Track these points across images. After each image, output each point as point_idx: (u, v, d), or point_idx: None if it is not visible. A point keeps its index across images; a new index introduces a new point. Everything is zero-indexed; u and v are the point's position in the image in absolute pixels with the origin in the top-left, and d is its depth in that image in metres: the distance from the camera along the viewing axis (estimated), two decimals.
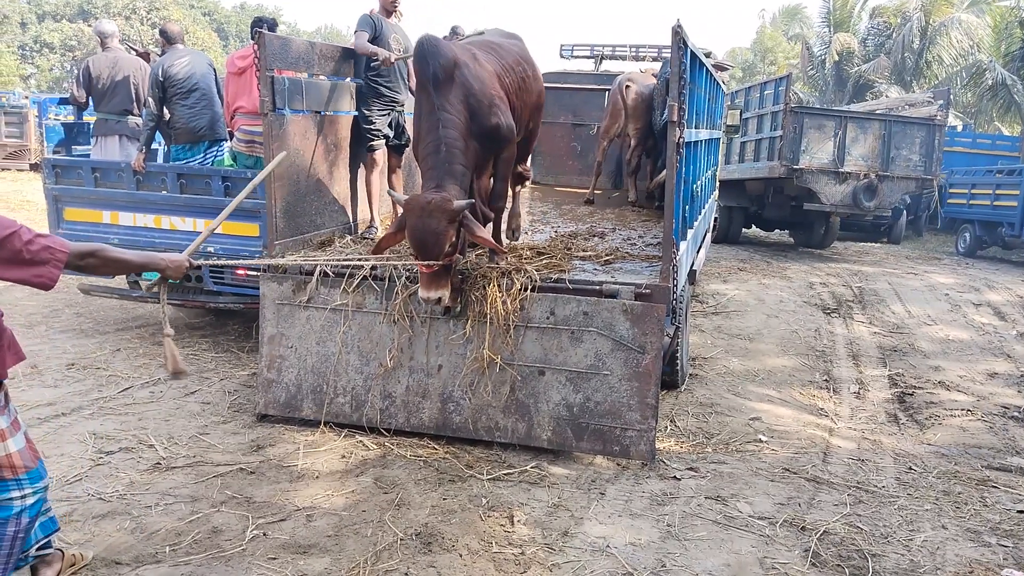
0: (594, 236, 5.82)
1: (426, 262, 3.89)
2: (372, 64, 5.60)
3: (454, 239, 3.90)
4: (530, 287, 4.35)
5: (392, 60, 5.48)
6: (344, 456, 4.23)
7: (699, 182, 6.25)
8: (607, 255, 5.10)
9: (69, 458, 4.00)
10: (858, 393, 5.87)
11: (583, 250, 5.22)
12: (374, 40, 5.53)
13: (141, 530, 3.33)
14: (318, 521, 3.47)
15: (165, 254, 2.95)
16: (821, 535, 3.51)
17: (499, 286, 4.34)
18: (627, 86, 7.59)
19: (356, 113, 5.85)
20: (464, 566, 3.15)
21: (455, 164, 4.03)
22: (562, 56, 11.11)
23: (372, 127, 5.71)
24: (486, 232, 4.06)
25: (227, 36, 45.20)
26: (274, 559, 3.12)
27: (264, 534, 3.32)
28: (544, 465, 4.21)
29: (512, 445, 4.36)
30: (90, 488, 3.68)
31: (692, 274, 6.18)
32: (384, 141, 5.80)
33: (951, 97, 15.33)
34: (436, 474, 4.05)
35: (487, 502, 3.74)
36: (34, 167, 15.39)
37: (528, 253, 4.94)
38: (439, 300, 3.94)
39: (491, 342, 4.33)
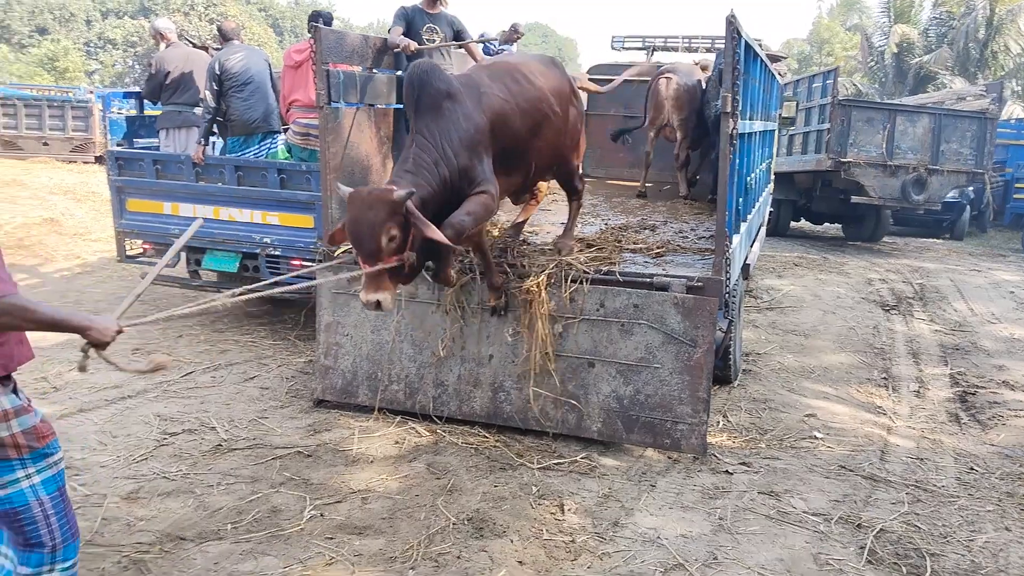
0: (645, 229, 5.79)
1: (366, 260, 3.39)
2: (407, 57, 5.64)
3: (396, 235, 3.39)
4: (580, 279, 4.36)
5: (412, 48, 5.50)
6: (398, 442, 4.30)
7: (753, 174, 6.17)
8: (658, 248, 5.07)
9: (135, 438, 4.16)
10: (918, 391, 5.73)
11: (633, 243, 5.20)
12: (407, 33, 5.57)
13: (204, 508, 3.46)
14: (373, 504, 3.55)
15: (93, 317, 2.55)
16: (878, 533, 3.46)
17: (549, 278, 4.36)
18: (667, 78, 7.51)
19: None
20: (515, 551, 3.19)
21: (419, 177, 3.64)
22: (613, 48, 11.04)
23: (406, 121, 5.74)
24: (436, 231, 3.47)
25: (282, 31, 46.01)
26: (331, 539, 3.21)
27: (321, 515, 3.42)
28: (594, 456, 4.23)
29: (562, 435, 4.39)
30: (156, 467, 3.82)
31: (745, 268, 6.10)
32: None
33: (1002, 90, 14.80)
34: (487, 462, 4.10)
35: (537, 490, 3.78)
36: (99, 159, 15.88)
37: (578, 246, 4.94)
38: (377, 304, 3.37)
39: (541, 333, 4.35)
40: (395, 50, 5.54)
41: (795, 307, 7.98)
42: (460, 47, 6.09)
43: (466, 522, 3.40)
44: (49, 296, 7.44)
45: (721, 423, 4.80)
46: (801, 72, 30.30)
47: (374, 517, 3.43)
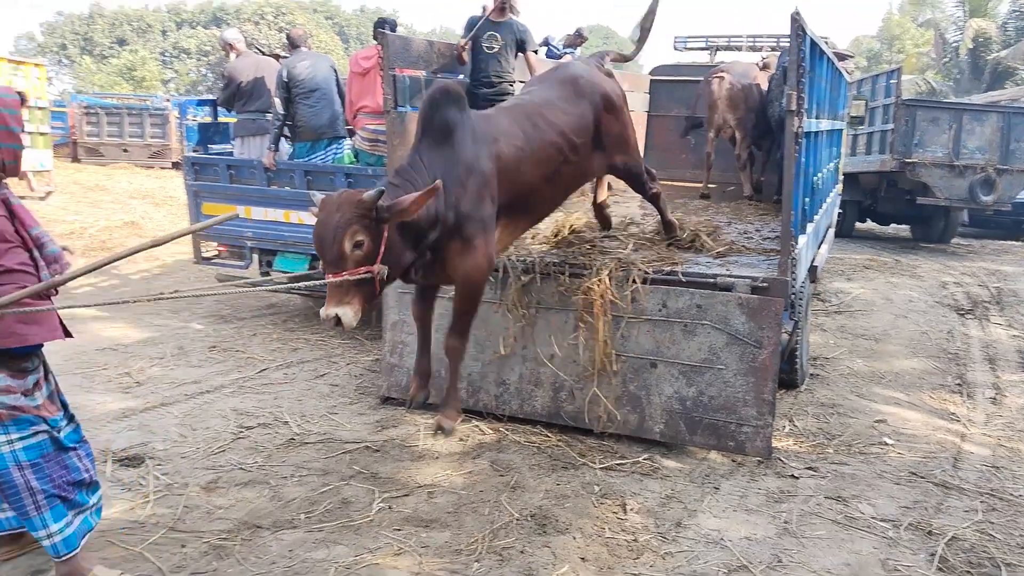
0: (709, 230, 5.74)
1: (329, 267, 3.11)
2: (472, 64, 5.74)
3: (364, 241, 3.09)
4: (641, 279, 4.37)
5: (462, 54, 5.59)
6: (462, 439, 4.39)
7: (820, 174, 6.06)
8: (722, 248, 5.04)
9: (214, 431, 4.35)
10: (994, 398, 5.54)
11: (696, 243, 5.17)
12: (472, 36, 5.67)
13: (278, 498, 3.60)
14: (438, 498, 3.64)
15: None
16: (949, 540, 3.38)
17: (610, 278, 4.38)
18: (719, 77, 7.45)
19: None
20: (578, 548, 3.23)
21: (403, 190, 3.33)
22: (675, 48, 10.97)
23: None
24: (410, 196, 3.17)
25: (348, 38, 47.00)
26: (399, 530, 3.31)
27: (389, 507, 3.52)
28: (656, 458, 4.23)
29: (624, 436, 4.40)
30: (233, 459, 3.99)
31: (813, 270, 6.00)
32: None
33: None
34: (549, 460, 4.15)
35: (600, 490, 3.81)
36: (175, 165, 16.55)
37: (641, 245, 4.95)
38: (336, 320, 3.06)
39: (602, 334, 4.38)
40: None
41: (865, 311, 7.79)
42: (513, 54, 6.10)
43: (529, 518, 3.46)
44: (130, 296, 7.79)
45: (787, 427, 4.74)
46: (871, 71, 29.46)
47: (440, 511, 3.52)
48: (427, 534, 3.30)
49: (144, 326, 6.64)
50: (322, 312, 3.11)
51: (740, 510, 3.64)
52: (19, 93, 2.93)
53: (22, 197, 9.50)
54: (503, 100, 5.79)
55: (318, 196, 3.28)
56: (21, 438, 2.75)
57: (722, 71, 7.59)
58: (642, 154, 6.00)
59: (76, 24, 45.77)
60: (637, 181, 4.84)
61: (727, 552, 3.24)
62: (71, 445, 2.90)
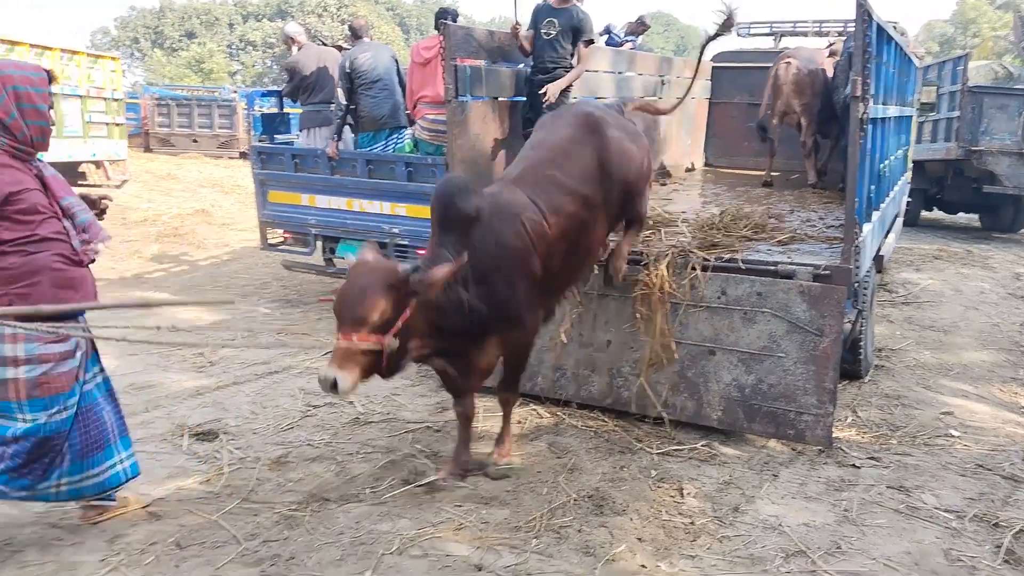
0: (770, 218, 5.69)
1: (343, 330, 3.02)
2: (531, 53, 5.77)
3: (386, 311, 3.03)
4: (700, 267, 4.37)
5: (520, 38, 5.61)
6: (520, 422, 4.47)
7: (887, 161, 5.93)
8: (784, 236, 4.99)
9: (283, 409, 4.54)
10: None
11: (758, 231, 5.13)
12: (534, 23, 5.69)
13: (345, 473, 3.75)
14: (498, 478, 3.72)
15: None
16: (1017, 533, 3.31)
17: (669, 265, 4.39)
18: (786, 63, 7.33)
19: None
20: (635, 529, 3.28)
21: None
22: (739, 35, 10.79)
23: (527, 115, 5.86)
24: (444, 268, 3.15)
25: (408, 29, 47.46)
26: (459, 506, 3.41)
27: (452, 484, 3.62)
28: (714, 444, 4.24)
29: (681, 423, 4.41)
30: (301, 435, 4.16)
31: (879, 260, 5.88)
32: (529, 128, 5.85)
33: None
34: (606, 444, 4.20)
35: (656, 474, 3.84)
36: (242, 155, 17.03)
37: (700, 233, 4.93)
38: (333, 384, 2.96)
39: (659, 322, 4.39)
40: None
41: (934, 302, 7.60)
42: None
43: (586, 499, 3.52)
44: (201, 281, 8.11)
45: (850, 418, 4.69)
46: (943, 56, 28.38)
47: (499, 489, 3.61)
48: (487, 511, 3.39)
49: (215, 310, 6.90)
50: (320, 372, 3.03)
51: (799, 497, 3.63)
52: (47, 71, 3.07)
53: (99, 185, 9.99)
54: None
55: (351, 258, 3.22)
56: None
57: (789, 56, 7.47)
58: (703, 143, 5.98)
59: (147, 18, 47.30)
60: (638, 218, 4.41)
61: (785, 537, 3.25)
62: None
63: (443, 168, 5.80)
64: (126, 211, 11.24)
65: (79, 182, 10.94)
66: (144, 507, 3.33)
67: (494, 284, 3.44)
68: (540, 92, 5.53)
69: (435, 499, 3.49)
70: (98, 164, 11.07)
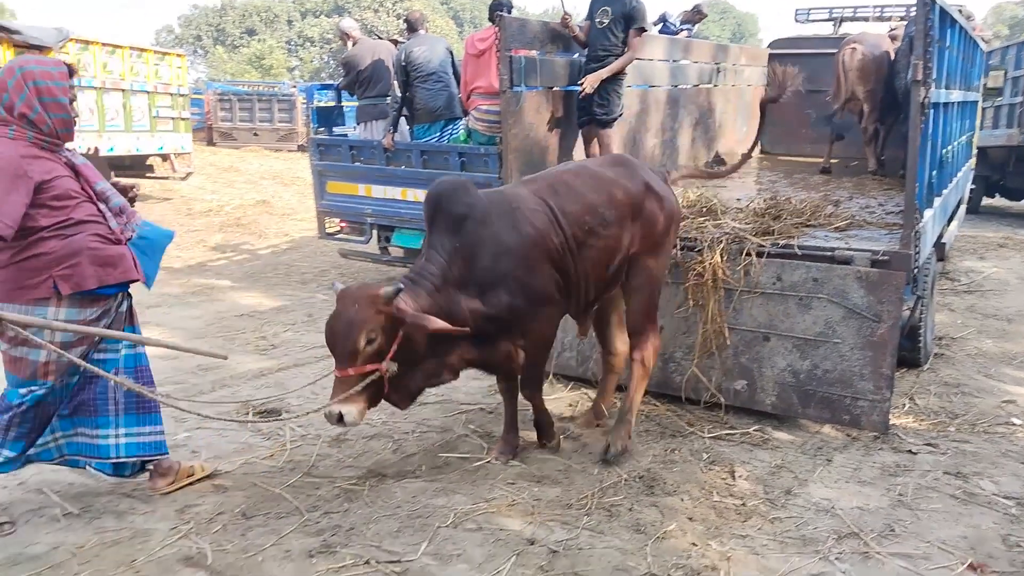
0: (828, 204, 5.62)
1: (340, 364, 3.10)
2: (584, 41, 5.79)
3: (377, 339, 3.07)
4: (755, 252, 4.35)
5: (571, 28, 5.63)
6: (571, 404, 4.53)
7: (950, 147, 5.79)
8: (841, 222, 4.93)
9: None
10: None
11: (815, 217, 5.08)
12: (589, 12, 5.71)
13: (401, 451, 3.87)
14: (549, 458, 3.79)
15: None
16: None
17: (723, 252, 4.38)
18: (852, 48, 7.19)
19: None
20: (686, 509, 3.31)
21: (420, 287, 3.30)
22: (797, 20, 10.63)
23: (581, 104, 5.87)
24: (439, 321, 3.16)
25: (462, 23, 47.68)
26: (512, 484, 3.49)
27: (503, 463, 3.70)
28: (767, 429, 4.23)
29: (733, 408, 4.41)
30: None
31: (940, 247, 5.76)
32: (588, 116, 5.87)
33: None
34: (658, 428, 4.23)
35: (708, 457, 3.86)
36: (301, 148, 17.43)
37: (755, 219, 4.90)
38: (340, 418, 3.04)
39: (713, 308, 4.39)
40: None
41: (998, 291, 7.38)
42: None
43: (637, 480, 3.56)
44: (263, 268, 8.36)
45: (907, 405, 4.62)
46: (1011, 39, 27.30)
47: (550, 469, 3.68)
48: (539, 489, 3.46)
49: (276, 295, 7.14)
50: (325, 409, 3.07)
51: (853, 482, 3.61)
52: (68, 65, 3.17)
53: (165, 177, 10.33)
54: (609, 77, 5.79)
55: (339, 286, 3.30)
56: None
57: (854, 41, 7.34)
58: (759, 130, 5.93)
59: (210, 16, 48.54)
60: (638, 316, 3.98)
61: (837, 520, 3.24)
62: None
63: (496, 158, 5.87)
64: (191, 202, 11.65)
65: (147, 174, 11.38)
66: (208, 476, 3.51)
67: (496, 281, 3.37)
68: (579, 82, 5.57)
69: (488, 477, 3.57)
70: (165, 157, 11.48)
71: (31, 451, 3.18)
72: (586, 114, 5.85)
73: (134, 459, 3.29)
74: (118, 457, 3.24)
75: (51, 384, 3.08)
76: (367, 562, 2.84)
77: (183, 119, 11.57)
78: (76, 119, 3.16)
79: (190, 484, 3.44)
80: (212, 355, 3.42)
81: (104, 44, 9.88)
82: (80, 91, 9.18)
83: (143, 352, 3.35)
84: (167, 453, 3.39)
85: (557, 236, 3.54)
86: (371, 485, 3.47)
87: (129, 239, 3.21)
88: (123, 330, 3.25)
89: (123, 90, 9.97)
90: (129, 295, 3.31)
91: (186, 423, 4.15)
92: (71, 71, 3.14)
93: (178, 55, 11.96)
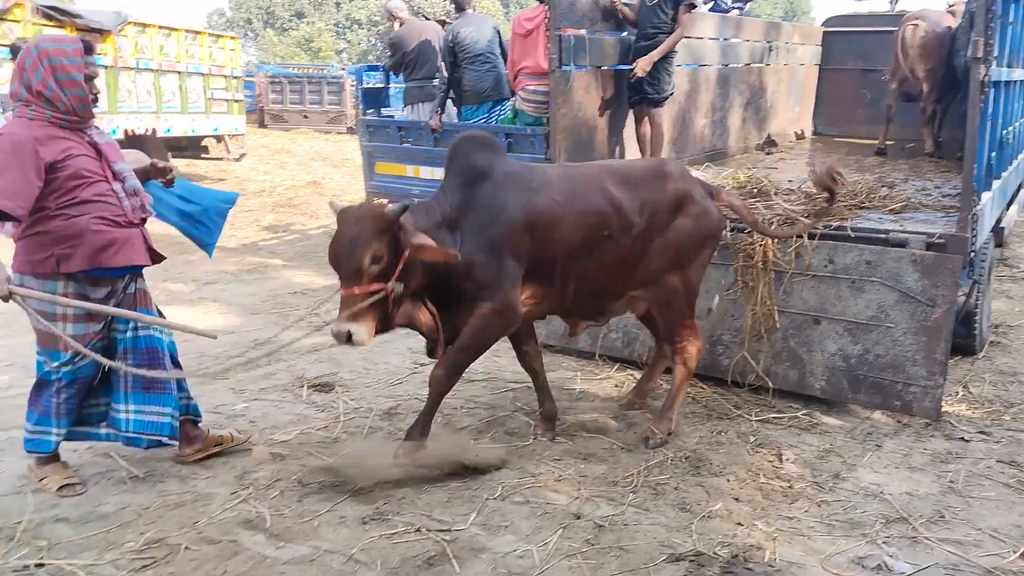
0: (883, 186, 5.51)
1: (345, 282, 3.08)
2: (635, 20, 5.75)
3: (382, 257, 3.03)
4: (807, 234, 4.31)
5: (619, 8, 5.58)
6: (617, 385, 4.56)
7: (1011, 128, 5.62)
8: (896, 204, 4.84)
9: (392, 366, 4.80)
10: None
11: (869, 199, 5.00)
12: None
13: (450, 426, 3.95)
14: (594, 436, 3.84)
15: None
16: None
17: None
18: (914, 25, 6.99)
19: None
20: (732, 489, 3.33)
21: (429, 217, 3.29)
22: None
23: (632, 84, 5.84)
24: (434, 246, 3.11)
25: (508, 3, 47.38)
26: (559, 460, 3.55)
27: (550, 440, 3.76)
28: (816, 414, 4.20)
29: (781, 392, 4.39)
30: (409, 390, 4.40)
31: (999, 232, 5.60)
32: (638, 96, 5.85)
33: None
34: (704, 410, 4.23)
35: (755, 440, 3.86)
36: (350, 130, 17.64)
37: (807, 201, 4.84)
38: (348, 336, 3.02)
39: (763, 289, 4.37)
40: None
41: None
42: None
43: (683, 460, 3.59)
44: (314, 248, 8.52)
45: (960, 393, 4.53)
46: None
47: (596, 447, 3.72)
48: (585, 466, 3.51)
49: (327, 274, 7.21)
50: (332, 327, 3.05)
51: (902, 467, 3.58)
52: (85, 42, 3.15)
53: (220, 158, 10.58)
54: (644, 53, 5.73)
55: (339, 206, 3.26)
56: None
57: (916, 18, 7.13)
58: (812, 110, 5.83)
59: None
60: (671, 326, 3.88)
61: (886, 504, 3.22)
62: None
63: (543, 138, 5.89)
64: (244, 183, 11.91)
65: (202, 155, 11.65)
66: (238, 444, 3.60)
67: (478, 242, 3.31)
68: (631, 64, 5.54)
69: (535, 453, 3.64)
70: (219, 138, 11.74)
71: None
72: (637, 93, 5.83)
73: (143, 436, 3.32)
74: (127, 431, 3.29)
75: (72, 357, 3.14)
76: (418, 530, 2.93)
77: (236, 101, 11.80)
78: (95, 96, 3.15)
79: (218, 453, 3.53)
80: (204, 334, 3.37)
81: (160, 27, 10.11)
82: (137, 73, 9.46)
83: (155, 335, 3.33)
84: (171, 436, 3.34)
85: (562, 233, 3.43)
86: None
87: (143, 220, 3.23)
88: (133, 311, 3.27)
89: (179, 72, 10.21)
90: (139, 278, 3.32)
91: (244, 394, 4.30)
92: (89, 48, 3.14)
93: (231, 37, 12.18)
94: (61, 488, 3.21)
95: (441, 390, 3.50)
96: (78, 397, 3.24)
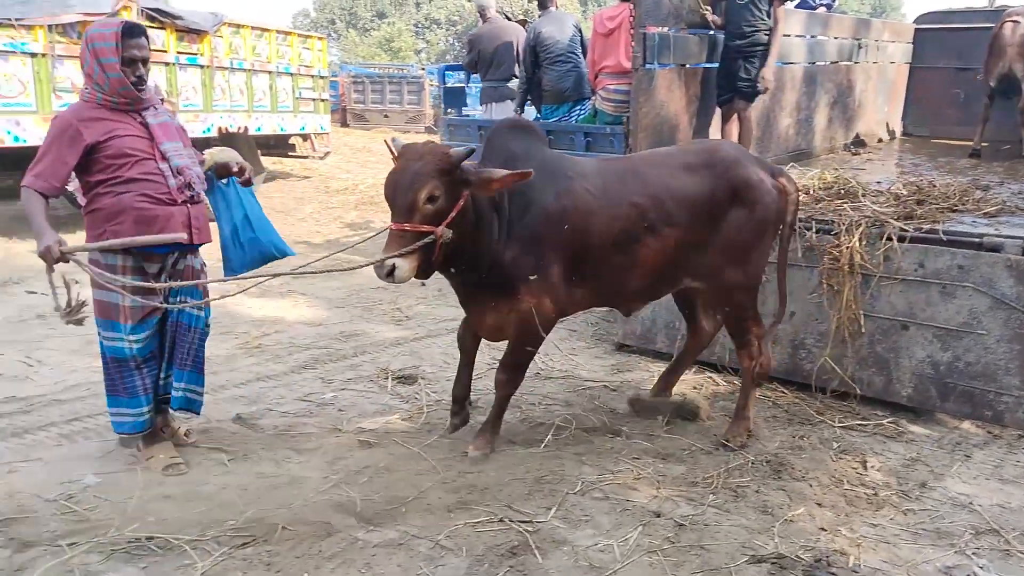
0: (976, 189, 5.33)
1: (397, 217, 3.01)
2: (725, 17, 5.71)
3: (439, 199, 2.98)
4: (896, 237, 4.22)
5: (713, 18, 5.56)
6: (695, 387, 4.56)
7: None
8: (991, 208, 4.67)
9: None
10: None
11: (961, 202, 4.84)
12: None
13: (528, 421, 4.03)
14: (673, 436, 3.85)
15: (48, 235, 3.00)
16: None
17: (862, 236, 4.26)
18: (1014, 22, 6.71)
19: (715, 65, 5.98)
20: (814, 495, 3.30)
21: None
22: None
23: (721, 82, 5.81)
24: (509, 173, 3.06)
25: (586, 0, 47.19)
26: (637, 459, 3.58)
27: (627, 438, 3.80)
28: (901, 422, 4.12)
29: (866, 398, 4.31)
30: (488, 384, 4.43)
31: None
32: (729, 94, 5.81)
33: None
34: (785, 415, 4.19)
35: (838, 446, 3.81)
36: (428, 129, 17.94)
37: (896, 202, 4.73)
38: (391, 270, 2.97)
39: (848, 294, 4.29)
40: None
41: None
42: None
43: (764, 463, 3.57)
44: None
45: None
46: None
47: (675, 447, 3.74)
48: (664, 466, 3.54)
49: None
50: (377, 260, 3.01)
51: (993, 479, 3.48)
52: (132, 25, 3.27)
53: (306, 156, 10.84)
54: (755, 52, 5.70)
55: (400, 141, 3.21)
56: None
57: (1016, 15, 6.86)
58: (902, 109, 5.69)
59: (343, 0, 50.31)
60: (733, 321, 3.85)
61: (976, 516, 3.15)
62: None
63: (621, 137, 5.91)
64: (328, 180, 12.28)
65: (289, 153, 12.06)
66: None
67: (517, 236, 3.27)
68: (746, 52, 5.53)
69: (613, 451, 3.68)
70: (305, 137, 12.12)
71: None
72: (728, 90, 5.80)
73: (183, 411, 3.57)
74: (176, 408, 3.53)
75: (131, 328, 3.27)
76: (501, 520, 3.01)
77: (323, 100, 12.16)
78: (137, 78, 3.21)
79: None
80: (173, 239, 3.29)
81: (253, 28, 10.50)
82: (231, 72, 9.86)
83: (195, 313, 3.46)
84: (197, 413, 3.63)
85: (598, 225, 3.36)
86: (502, 451, 3.64)
87: (190, 199, 3.30)
88: (182, 291, 3.39)
89: (269, 72, 10.58)
90: (191, 254, 3.41)
91: (332, 384, 4.48)
92: (132, 31, 3.23)
93: (319, 38, 12.53)
94: (166, 468, 3.42)
95: (507, 391, 3.61)
96: (153, 373, 3.42)
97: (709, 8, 5.74)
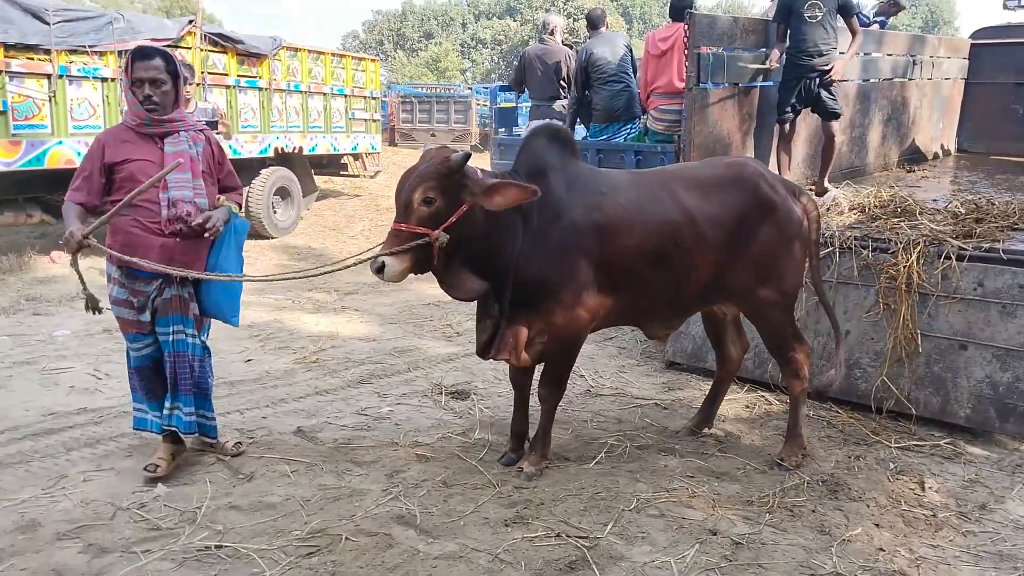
0: None
1: (397, 217, 3.10)
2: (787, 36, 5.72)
3: (433, 200, 3.01)
4: (955, 255, 4.17)
5: (772, 62, 5.59)
6: (748, 406, 4.55)
7: None
8: None
9: None
10: None
11: (1021, 220, 4.76)
12: (787, 11, 5.64)
13: (580, 437, 4.07)
14: (728, 455, 3.86)
15: (74, 227, 3.22)
16: None
17: (919, 256, 4.23)
18: None
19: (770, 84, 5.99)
20: (871, 515, 3.28)
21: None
22: (1005, 7, 9.81)
23: (782, 101, 5.81)
24: (513, 185, 3.08)
25: (632, 19, 47.31)
26: (692, 477, 3.59)
27: (680, 457, 3.81)
28: (959, 443, 4.06)
29: (923, 419, 4.25)
30: (536, 401, 4.54)
31: None
32: (788, 112, 5.80)
33: None
34: (840, 435, 4.16)
35: (895, 467, 3.77)
36: (474, 148, 18.13)
37: (954, 221, 4.68)
38: (381, 266, 3.04)
39: (904, 313, 4.25)
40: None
41: None
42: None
43: (820, 483, 3.55)
44: None
45: None
46: None
47: (729, 466, 3.74)
48: (719, 484, 3.55)
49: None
50: (374, 252, 3.10)
51: None
52: (144, 49, 3.38)
53: (357, 175, 11.05)
54: (804, 66, 5.68)
55: (431, 146, 3.33)
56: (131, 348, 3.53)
57: None
58: (957, 125, 5.63)
59: (391, 21, 51.31)
60: (773, 340, 3.80)
61: None
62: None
63: (672, 156, 5.94)
64: (378, 199, 12.51)
65: (340, 172, 12.31)
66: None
67: (538, 247, 3.26)
68: (824, 70, 5.55)
69: (667, 469, 3.70)
70: (357, 156, 12.37)
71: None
72: (793, 110, 5.79)
73: (193, 435, 3.70)
74: (187, 432, 3.64)
75: (136, 336, 3.47)
76: (558, 535, 3.06)
77: (374, 120, 12.42)
78: (146, 96, 3.30)
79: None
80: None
81: (311, 51, 10.81)
82: (288, 94, 10.15)
83: (188, 340, 3.52)
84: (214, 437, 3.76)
85: (629, 240, 3.36)
86: (556, 467, 3.69)
87: (176, 232, 3.36)
88: (167, 317, 3.46)
89: (324, 93, 10.86)
90: (177, 284, 3.44)
91: (388, 399, 4.59)
92: (144, 53, 3.34)
93: (372, 60, 12.83)
94: (147, 466, 3.54)
95: (551, 405, 3.63)
96: (155, 379, 3.58)
97: (768, 65, 5.78)
